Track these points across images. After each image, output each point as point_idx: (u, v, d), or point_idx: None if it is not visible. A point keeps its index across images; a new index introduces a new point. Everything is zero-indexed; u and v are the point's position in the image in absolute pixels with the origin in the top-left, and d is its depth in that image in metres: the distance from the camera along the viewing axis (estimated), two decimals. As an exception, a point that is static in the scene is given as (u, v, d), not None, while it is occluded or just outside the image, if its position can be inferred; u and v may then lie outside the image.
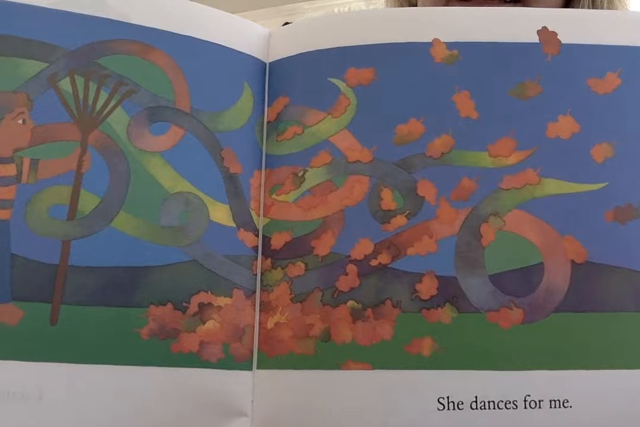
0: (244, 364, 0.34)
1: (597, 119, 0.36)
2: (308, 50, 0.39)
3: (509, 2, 0.53)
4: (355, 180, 0.36)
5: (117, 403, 0.32)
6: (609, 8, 0.56)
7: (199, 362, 0.34)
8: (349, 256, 0.35)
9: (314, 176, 0.37)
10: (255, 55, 0.39)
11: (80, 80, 0.35)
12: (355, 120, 0.37)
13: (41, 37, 0.35)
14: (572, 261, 0.34)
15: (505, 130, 0.36)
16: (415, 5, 0.61)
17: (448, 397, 0.33)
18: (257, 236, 0.36)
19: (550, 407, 0.32)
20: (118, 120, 0.36)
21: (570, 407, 0.32)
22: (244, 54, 0.39)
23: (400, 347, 0.33)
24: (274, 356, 0.34)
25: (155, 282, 0.34)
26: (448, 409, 0.32)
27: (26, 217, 0.33)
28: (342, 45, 0.38)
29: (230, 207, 0.36)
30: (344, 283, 0.35)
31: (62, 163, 0.34)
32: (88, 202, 0.34)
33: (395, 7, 0.63)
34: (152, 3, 0.38)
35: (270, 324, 0.35)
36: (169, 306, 0.34)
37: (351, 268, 0.35)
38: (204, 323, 0.34)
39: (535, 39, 0.37)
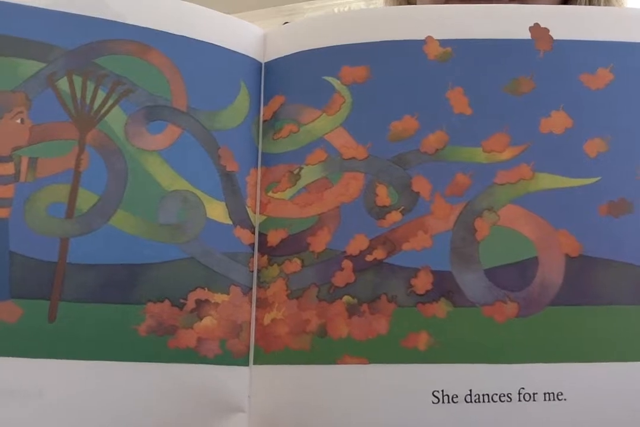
0: (241, 360, 0.35)
1: (589, 115, 0.37)
2: (303, 49, 0.39)
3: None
4: (351, 177, 0.37)
5: (115, 399, 0.33)
6: (605, 6, 0.56)
7: (197, 358, 0.34)
8: (345, 251, 0.35)
9: (309, 173, 0.37)
10: (251, 55, 0.40)
11: (78, 80, 0.36)
12: (350, 117, 0.37)
13: (39, 37, 0.36)
14: (567, 255, 0.34)
15: (499, 126, 0.36)
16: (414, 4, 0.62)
17: (443, 391, 0.33)
18: (253, 233, 0.37)
19: (545, 400, 0.32)
20: (116, 119, 0.36)
21: (565, 400, 0.32)
22: (240, 54, 0.39)
23: (396, 341, 0.34)
24: (271, 352, 0.35)
25: (153, 279, 0.34)
26: (443, 402, 0.33)
27: (25, 216, 0.33)
28: (336, 44, 0.39)
29: (226, 205, 0.37)
30: (340, 279, 0.35)
31: (60, 162, 0.35)
32: (86, 200, 0.34)
33: (394, 6, 0.64)
34: (149, 4, 0.38)
35: (266, 320, 0.35)
36: (167, 302, 0.34)
37: (347, 264, 0.35)
38: (201, 319, 0.34)
39: (527, 35, 0.38)
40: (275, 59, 0.40)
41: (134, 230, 0.35)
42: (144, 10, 0.38)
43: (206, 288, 0.35)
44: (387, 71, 0.38)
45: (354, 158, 0.37)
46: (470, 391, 0.33)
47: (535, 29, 0.38)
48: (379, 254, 0.35)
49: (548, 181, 0.36)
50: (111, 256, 0.34)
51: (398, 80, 0.38)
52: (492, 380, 0.33)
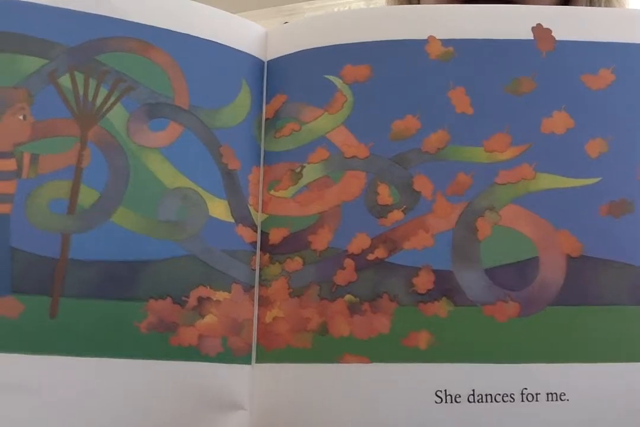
0: (243, 358, 0.35)
1: (591, 115, 0.37)
2: (305, 48, 0.39)
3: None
4: (352, 175, 0.37)
5: (115, 397, 0.32)
6: (606, 6, 0.57)
7: (198, 356, 0.34)
8: (346, 250, 0.35)
9: (311, 172, 0.37)
10: (253, 54, 0.40)
11: (80, 77, 0.36)
12: (351, 116, 0.37)
13: (42, 34, 0.36)
14: (568, 255, 0.34)
15: (501, 126, 0.37)
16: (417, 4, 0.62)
17: (445, 391, 0.33)
18: (255, 231, 0.37)
19: (547, 400, 0.32)
20: (117, 116, 0.36)
21: (567, 400, 0.33)
22: (242, 52, 0.39)
23: (397, 340, 0.34)
24: (272, 350, 0.35)
25: (155, 276, 0.34)
26: (445, 402, 0.33)
27: (26, 211, 0.33)
28: (338, 43, 0.39)
29: (228, 203, 0.37)
30: (341, 277, 0.35)
31: (62, 158, 0.35)
32: (88, 196, 0.34)
33: (396, 6, 0.64)
34: (151, 1, 0.38)
35: (268, 318, 0.35)
36: (168, 299, 0.34)
37: (348, 262, 0.35)
38: (203, 317, 0.34)
39: (529, 35, 0.38)
40: (278, 58, 0.40)
41: (135, 227, 0.35)
42: (146, 8, 0.38)
43: (208, 286, 0.35)
44: (388, 70, 0.38)
45: (355, 157, 0.37)
46: (473, 390, 0.33)
47: (538, 29, 0.38)
48: (380, 253, 0.35)
49: (549, 181, 0.36)
50: (112, 252, 0.34)
51: (400, 80, 0.38)
52: (494, 380, 0.33)
